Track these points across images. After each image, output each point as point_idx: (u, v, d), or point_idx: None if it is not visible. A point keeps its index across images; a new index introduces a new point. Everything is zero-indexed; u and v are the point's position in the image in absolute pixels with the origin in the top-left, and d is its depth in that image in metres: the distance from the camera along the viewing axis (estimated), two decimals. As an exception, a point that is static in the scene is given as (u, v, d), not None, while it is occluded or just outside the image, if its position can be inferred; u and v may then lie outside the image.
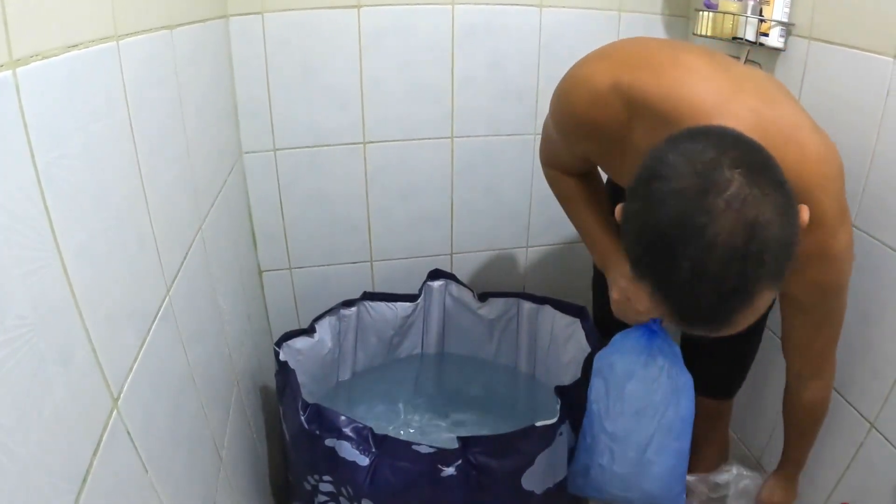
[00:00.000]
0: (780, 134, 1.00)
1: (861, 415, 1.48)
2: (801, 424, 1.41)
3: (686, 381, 1.36)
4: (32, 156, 0.59)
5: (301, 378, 1.59)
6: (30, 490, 0.54)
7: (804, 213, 0.89)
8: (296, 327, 1.85)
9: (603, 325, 1.75)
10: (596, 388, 1.43)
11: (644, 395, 1.37)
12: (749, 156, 0.85)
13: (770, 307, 1.23)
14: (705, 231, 0.81)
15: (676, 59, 1.13)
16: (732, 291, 0.83)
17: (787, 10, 1.54)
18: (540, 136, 1.51)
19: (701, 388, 1.44)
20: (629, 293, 1.35)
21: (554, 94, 1.28)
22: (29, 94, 0.59)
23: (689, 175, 0.83)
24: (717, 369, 1.61)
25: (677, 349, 1.37)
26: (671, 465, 1.38)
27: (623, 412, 1.39)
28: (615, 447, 1.39)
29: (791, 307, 1.24)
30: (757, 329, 1.58)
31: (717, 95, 1.05)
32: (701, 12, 1.78)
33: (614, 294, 1.39)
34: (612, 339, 1.44)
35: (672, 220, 0.83)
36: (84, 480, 0.65)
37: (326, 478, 1.50)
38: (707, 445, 1.66)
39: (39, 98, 0.61)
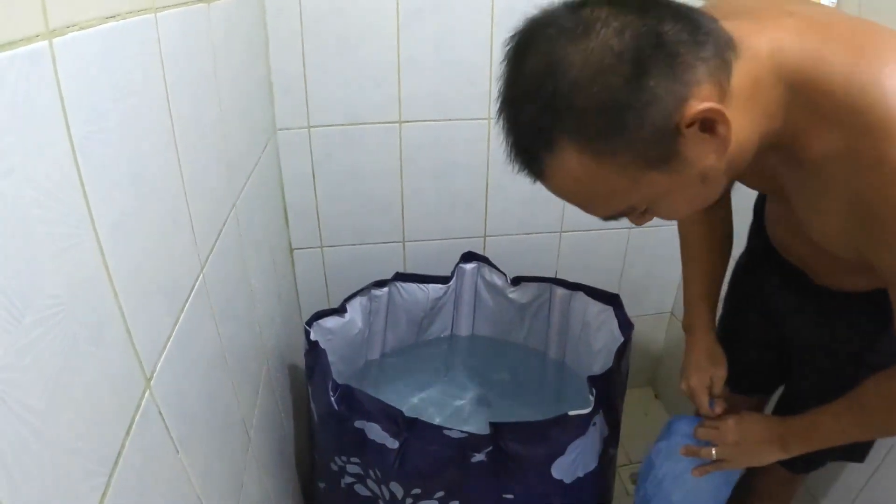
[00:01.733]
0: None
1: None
2: (869, 401, 1.10)
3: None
4: (68, 129, 0.58)
5: (330, 358, 1.58)
6: (61, 474, 0.53)
7: (701, 107, 0.77)
8: (325, 307, 1.84)
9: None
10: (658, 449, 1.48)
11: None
12: (638, 4, 0.78)
13: None
14: (517, 58, 0.81)
15: None
16: (526, 129, 0.82)
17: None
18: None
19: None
20: (697, 384, 1.36)
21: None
22: (65, 65, 0.57)
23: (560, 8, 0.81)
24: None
25: None
26: None
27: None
28: None
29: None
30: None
31: None
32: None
33: (683, 384, 1.42)
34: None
35: (510, 48, 0.83)
36: (115, 463, 0.64)
37: (354, 459, 1.49)
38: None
39: (75, 70, 0.59)
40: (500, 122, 0.85)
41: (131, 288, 0.71)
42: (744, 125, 0.83)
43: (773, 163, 0.96)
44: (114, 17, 0.69)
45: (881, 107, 0.76)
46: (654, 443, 1.52)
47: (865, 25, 0.86)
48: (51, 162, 0.55)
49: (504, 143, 0.86)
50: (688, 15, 0.79)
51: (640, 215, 0.93)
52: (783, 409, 1.50)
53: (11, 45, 0.49)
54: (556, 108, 0.77)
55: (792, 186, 0.97)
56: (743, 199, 1.38)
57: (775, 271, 1.35)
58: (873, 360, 1.18)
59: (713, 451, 1.32)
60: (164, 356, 0.80)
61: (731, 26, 0.84)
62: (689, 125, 0.78)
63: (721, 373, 1.39)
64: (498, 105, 0.85)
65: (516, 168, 0.87)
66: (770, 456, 1.25)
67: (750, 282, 1.47)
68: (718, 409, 1.36)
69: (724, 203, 1.38)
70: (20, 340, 0.48)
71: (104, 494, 0.60)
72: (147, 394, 0.74)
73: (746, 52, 0.83)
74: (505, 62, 0.84)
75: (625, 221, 0.95)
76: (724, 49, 0.80)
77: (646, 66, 0.74)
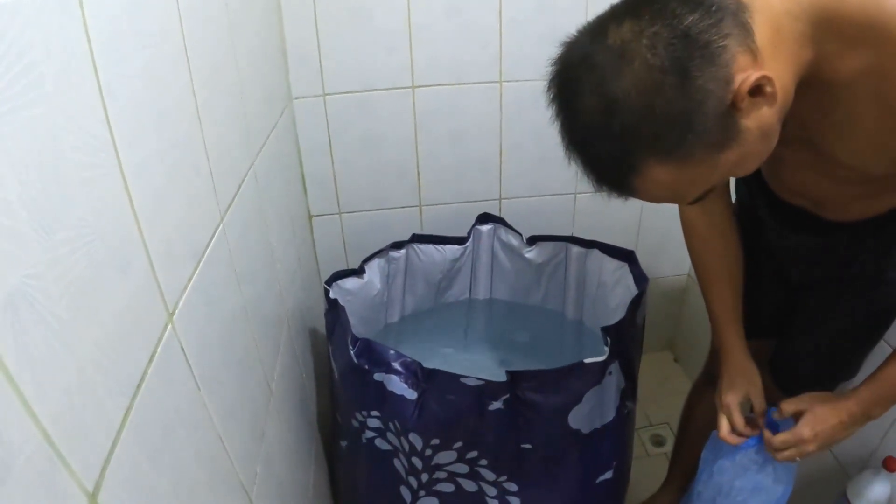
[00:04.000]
0: None
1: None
2: None
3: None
4: (96, 69, 0.61)
5: (350, 319, 1.62)
6: (86, 388, 0.56)
7: (746, 80, 0.82)
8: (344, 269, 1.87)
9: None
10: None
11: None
12: (648, 9, 0.82)
13: None
14: (569, 104, 0.88)
15: None
16: (606, 163, 0.89)
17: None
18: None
19: (786, 386, 1.46)
20: (732, 402, 1.38)
21: None
22: (91, 10, 0.61)
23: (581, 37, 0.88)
24: (808, 367, 1.52)
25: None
26: None
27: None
28: None
29: None
30: (867, 320, 1.40)
31: None
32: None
33: (718, 403, 1.42)
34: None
35: (555, 95, 0.90)
36: (138, 386, 0.67)
37: (374, 413, 1.52)
38: None
39: (101, 14, 0.63)
40: (574, 163, 0.92)
41: (154, 225, 0.74)
42: (781, 72, 0.87)
43: (797, 98, 0.98)
44: (132, -32, 0.72)
45: None
46: (709, 459, 1.52)
47: None
48: (80, 97, 0.58)
49: (586, 178, 0.93)
50: None
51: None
52: (779, 360, 1.55)
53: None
54: (628, 138, 0.84)
55: (819, 115, 1.00)
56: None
57: (772, 214, 1.39)
58: (893, 274, 1.28)
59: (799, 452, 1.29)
60: (185, 296, 0.83)
61: None
62: (744, 99, 0.82)
63: (757, 390, 1.40)
64: (566, 149, 0.92)
65: (605, 194, 0.95)
66: (854, 429, 1.24)
67: (747, 228, 1.49)
68: (749, 429, 1.36)
69: (725, 200, 1.42)
70: (50, 253, 0.52)
71: (126, 414, 0.64)
72: (169, 328, 0.77)
73: (757, 5, 0.86)
74: (556, 108, 0.90)
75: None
76: (739, 14, 0.84)
77: (688, 68, 0.79)
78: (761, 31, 0.85)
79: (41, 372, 0.49)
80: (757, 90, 0.83)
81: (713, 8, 0.81)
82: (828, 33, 0.87)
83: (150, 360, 0.71)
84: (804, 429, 1.24)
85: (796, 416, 1.28)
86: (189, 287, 0.85)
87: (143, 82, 0.74)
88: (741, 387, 1.38)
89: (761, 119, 0.86)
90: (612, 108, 0.82)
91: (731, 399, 1.37)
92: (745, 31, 0.83)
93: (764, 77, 0.82)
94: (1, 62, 0.47)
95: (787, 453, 1.28)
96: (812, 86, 0.93)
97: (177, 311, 0.80)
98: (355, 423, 1.60)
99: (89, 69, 0.60)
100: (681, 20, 0.80)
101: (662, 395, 2.55)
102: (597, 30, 0.86)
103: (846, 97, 0.92)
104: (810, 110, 1.00)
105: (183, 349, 0.81)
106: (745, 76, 0.81)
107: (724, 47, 0.81)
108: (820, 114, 1.00)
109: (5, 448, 0.45)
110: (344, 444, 1.74)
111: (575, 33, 0.90)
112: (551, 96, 0.90)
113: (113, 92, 0.65)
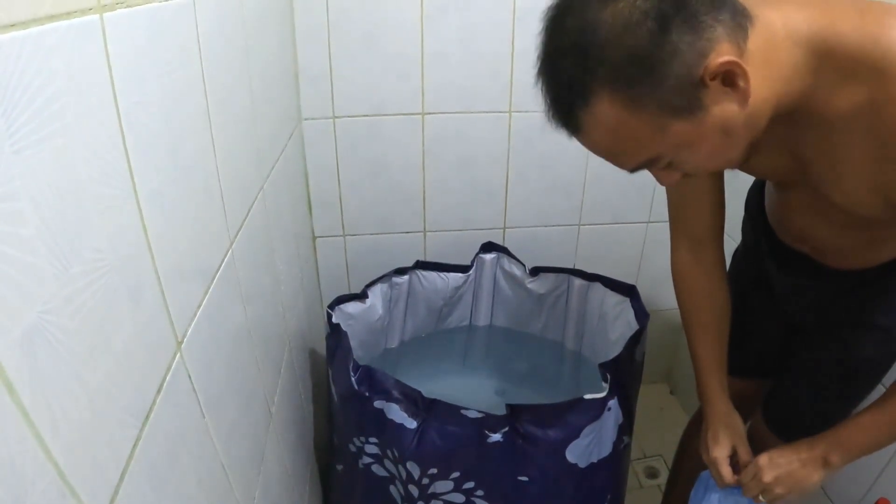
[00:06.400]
0: None
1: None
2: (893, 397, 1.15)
3: None
4: (115, 98, 0.62)
5: (350, 343, 1.62)
6: (98, 419, 0.57)
7: (719, 58, 0.84)
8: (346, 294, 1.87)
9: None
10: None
11: None
12: None
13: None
14: (552, 23, 0.90)
15: None
16: (564, 83, 0.90)
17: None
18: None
19: (778, 429, 1.46)
20: (719, 454, 1.38)
21: None
22: (113, 38, 0.61)
23: None
24: (801, 410, 1.49)
25: None
26: None
27: None
28: None
29: None
30: (860, 367, 1.39)
31: None
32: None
33: (704, 456, 1.42)
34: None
35: (549, 14, 0.91)
36: (147, 417, 0.67)
37: (372, 439, 1.52)
38: None
39: (122, 44, 0.63)
40: (539, 83, 0.94)
41: (167, 253, 0.75)
42: (762, 83, 0.89)
43: (794, 133, 1.01)
44: (157, -4, 0.73)
45: (893, 54, 0.84)
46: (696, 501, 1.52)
47: None
48: (100, 127, 0.59)
49: (543, 101, 0.94)
50: None
51: (664, 168, 0.99)
52: (773, 402, 1.55)
53: (69, 14, 0.53)
54: (590, 60, 0.85)
55: (812, 151, 1.02)
56: (735, 197, 1.43)
57: (774, 258, 1.40)
58: (882, 321, 1.29)
59: (761, 498, 1.31)
60: (194, 323, 0.84)
61: (744, 2, 0.90)
62: (713, 78, 0.85)
63: (742, 441, 1.40)
64: (537, 67, 0.93)
65: (554, 125, 0.95)
66: (815, 475, 1.24)
67: (749, 270, 1.52)
68: (737, 479, 1.36)
69: (718, 253, 1.41)
70: (67, 288, 0.52)
71: (135, 445, 0.64)
72: (178, 356, 0.77)
73: (760, 19, 0.90)
74: (544, 26, 0.91)
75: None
76: (740, 15, 0.88)
77: (668, 22, 0.82)
78: (756, 42, 0.88)
79: (55, 406, 0.50)
80: (730, 79, 0.86)
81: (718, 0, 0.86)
82: (826, 65, 0.90)
83: (159, 390, 0.71)
84: (761, 458, 1.28)
85: None
86: (198, 314, 0.86)
87: (160, 109, 0.75)
88: (726, 439, 1.38)
89: (725, 112, 0.88)
90: (587, 29, 0.84)
91: (719, 453, 1.37)
92: (740, 29, 0.87)
93: (740, 67, 0.84)
94: (25, 94, 0.47)
95: (751, 486, 1.30)
96: (811, 122, 0.96)
97: (185, 340, 0.80)
98: (353, 448, 1.59)
99: (109, 97, 0.61)
100: None
101: (658, 427, 2.55)
102: None
103: (842, 133, 0.94)
104: (809, 148, 1.02)
105: (190, 377, 0.81)
106: (721, 57, 0.84)
107: (712, 27, 0.84)
108: (818, 152, 1.01)
109: (19, 481, 0.45)
110: (340, 467, 1.73)
111: None
112: (545, 16, 0.92)
113: (131, 120, 0.65)
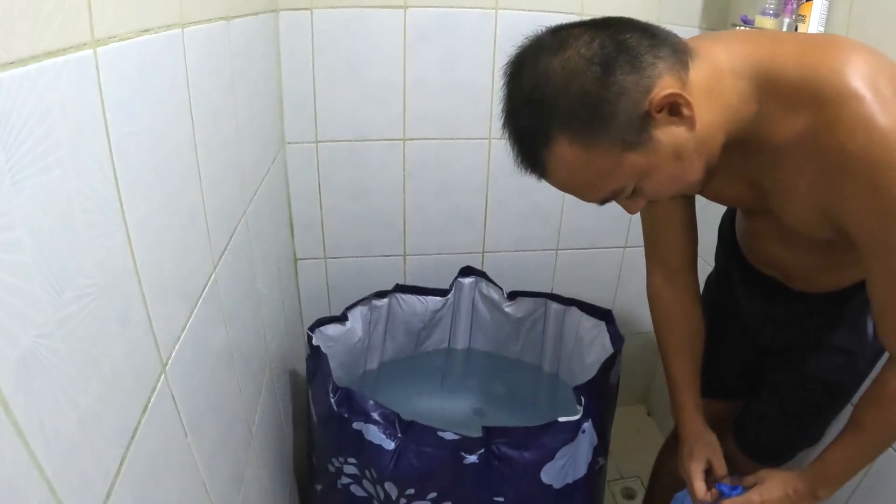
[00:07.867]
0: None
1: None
2: (863, 418, 1.14)
3: None
4: (107, 129, 0.64)
5: (330, 364, 1.64)
6: (86, 439, 0.59)
7: (661, 92, 0.90)
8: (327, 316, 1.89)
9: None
10: None
11: None
12: (603, 23, 0.94)
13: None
14: (512, 77, 0.97)
15: None
16: (526, 132, 0.97)
17: (822, 28, 1.56)
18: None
19: (749, 450, 1.49)
20: (695, 471, 1.40)
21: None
22: (106, 71, 0.64)
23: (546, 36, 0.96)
24: (771, 431, 1.52)
25: None
26: None
27: None
28: None
29: (861, 254, 1.01)
30: (825, 388, 1.41)
31: None
32: (737, 27, 1.80)
33: (681, 472, 1.45)
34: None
35: (507, 70, 0.99)
36: (132, 436, 0.70)
37: (351, 460, 1.54)
38: None
39: (115, 76, 0.66)
40: (505, 134, 1.01)
41: (153, 278, 0.77)
42: (708, 110, 0.96)
43: (749, 162, 1.07)
44: (148, 30, 0.76)
45: (830, 82, 0.89)
46: None
47: (804, 35, 1.07)
48: (92, 157, 0.62)
49: (511, 151, 1.02)
50: (646, 27, 0.95)
51: (630, 197, 1.04)
52: (743, 423, 1.57)
53: (65, 50, 0.56)
54: (545, 109, 0.92)
55: (766, 179, 1.08)
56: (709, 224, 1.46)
57: (745, 283, 1.46)
58: (846, 343, 1.34)
59: None
60: (178, 345, 0.86)
61: (688, 40, 1.00)
62: (659, 110, 0.91)
63: (717, 455, 1.42)
64: (502, 120, 1.01)
65: (522, 169, 1.02)
66: None
67: (722, 294, 1.57)
68: (711, 498, 1.37)
69: (692, 278, 1.44)
70: (60, 312, 0.55)
71: (121, 463, 0.66)
72: (163, 378, 0.80)
73: (702, 53, 0.98)
74: (504, 82, 0.99)
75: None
76: (680, 51, 0.95)
77: (612, 65, 0.89)
78: (699, 75, 0.96)
79: (48, 426, 0.52)
80: (675, 109, 0.92)
81: (658, 37, 0.94)
82: (769, 95, 0.96)
83: (144, 411, 0.73)
84: (753, 495, 1.28)
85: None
86: (182, 337, 0.88)
87: (149, 138, 0.78)
88: (702, 454, 1.41)
89: (675, 137, 0.94)
90: (540, 81, 0.92)
91: (695, 467, 1.40)
92: (681, 64, 0.94)
93: (682, 97, 0.91)
94: (24, 128, 0.50)
95: None
96: (762, 150, 1.02)
97: (170, 362, 0.82)
98: (332, 468, 1.61)
99: (101, 128, 0.64)
100: (625, 35, 0.91)
101: (635, 448, 2.57)
102: (556, 27, 0.97)
103: (788, 161, 0.99)
104: (764, 176, 1.08)
105: (174, 397, 0.84)
106: (663, 90, 0.90)
107: (653, 64, 0.91)
108: (771, 179, 1.07)
109: (14, 497, 0.47)
110: (319, 487, 1.75)
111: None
112: (504, 73, 0.99)
113: (122, 149, 0.68)
